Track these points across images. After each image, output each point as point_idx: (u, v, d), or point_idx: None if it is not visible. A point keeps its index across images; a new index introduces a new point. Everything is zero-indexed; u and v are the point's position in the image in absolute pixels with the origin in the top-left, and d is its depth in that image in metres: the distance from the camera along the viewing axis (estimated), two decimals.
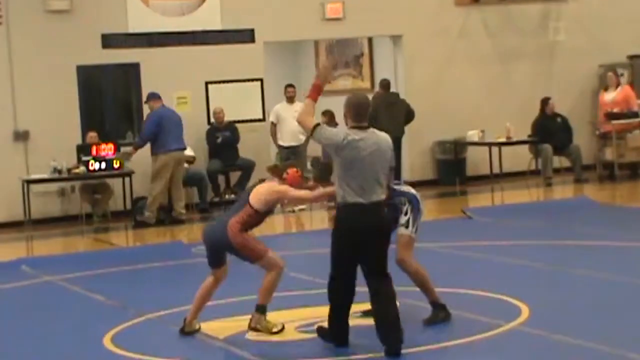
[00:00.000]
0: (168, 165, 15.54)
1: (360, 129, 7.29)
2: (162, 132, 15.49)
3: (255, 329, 8.19)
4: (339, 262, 7.41)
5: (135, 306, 9.66)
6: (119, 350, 8.04)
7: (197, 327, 8.45)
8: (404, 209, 8.20)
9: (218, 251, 8.32)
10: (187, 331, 8.42)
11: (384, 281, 7.33)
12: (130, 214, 15.96)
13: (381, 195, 7.30)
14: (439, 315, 8.22)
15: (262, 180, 8.50)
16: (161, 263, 12.36)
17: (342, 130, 7.35)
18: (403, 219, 8.20)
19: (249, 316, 8.40)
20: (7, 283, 11.48)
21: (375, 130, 7.37)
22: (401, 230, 8.20)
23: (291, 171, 8.36)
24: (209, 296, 8.50)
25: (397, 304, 7.50)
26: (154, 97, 15.76)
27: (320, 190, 8.19)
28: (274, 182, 8.35)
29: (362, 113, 7.34)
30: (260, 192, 8.23)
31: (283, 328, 8.24)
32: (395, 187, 8.31)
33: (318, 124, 7.40)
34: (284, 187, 8.22)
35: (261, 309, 8.21)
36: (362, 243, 7.25)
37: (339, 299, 7.49)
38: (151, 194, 15.61)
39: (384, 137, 7.40)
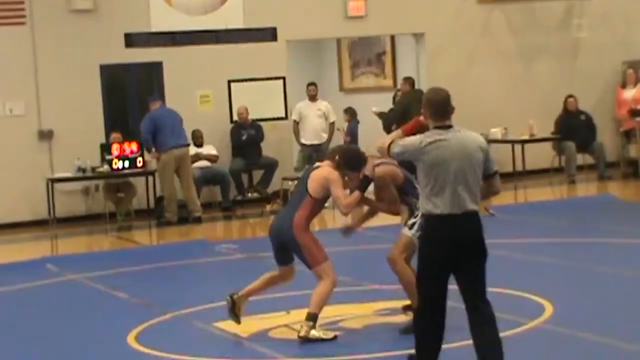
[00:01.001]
0: (168, 163, 15.55)
1: (442, 129, 6.28)
2: (159, 133, 15.56)
3: (304, 338, 7.94)
4: (424, 282, 6.33)
5: (159, 304, 9.68)
6: (143, 349, 8.06)
7: (240, 309, 8.25)
8: (416, 212, 7.99)
9: (284, 248, 8.12)
10: (235, 299, 8.20)
11: (482, 301, 6.40)
12: (154, 213, 16.01)
13: (473, 205, 6.25)
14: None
15: (315, 167, 8.22)
16: (185, 261, 12.39)
17: (420, 136, 6.37)
18: (410, 220, 8.10)
19: (272, 314, 8.40)
20: (32, 281, 11.54)
21: (462, 129, 6.36)
22: (404, 230, 8.11)
23: None
24: (267, 286, 8.30)
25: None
26: (151, 99, 15.91)
27: (354, 196, 7.92)
28: (328, 166, 8.11)
29: (442, 110, 6.33)
30: (314, 179, 8.04)
31: (335, 337, 8.01)
32: (418, 186, 8.24)
33: (393, 141, 6.47)
34: (334, 177, 7.92)
35: (312, 317, 7.98)
36: (453, 259, 6.25)
37: (428, 338, 6.35)
38: (164, 194, 15.71)
39: (472, 137, 6.33)
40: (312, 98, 17.28)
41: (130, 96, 17.32)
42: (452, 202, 6.18)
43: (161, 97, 16.31)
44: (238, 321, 8.27)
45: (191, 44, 16.95)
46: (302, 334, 7.95)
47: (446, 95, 6.38)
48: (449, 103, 6.36)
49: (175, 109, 15.97)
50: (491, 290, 9.29)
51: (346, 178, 8.03)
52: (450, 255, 6.23)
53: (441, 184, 6.18)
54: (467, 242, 6.28)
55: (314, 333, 7.95)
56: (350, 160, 8.02)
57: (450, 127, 6.31)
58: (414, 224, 8.03)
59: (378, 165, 8.10)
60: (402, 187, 8.16)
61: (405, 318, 8.34)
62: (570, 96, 18.10)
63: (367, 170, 7.92)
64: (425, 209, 6.27)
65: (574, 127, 17.89)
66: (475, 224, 6.31)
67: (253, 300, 8.55)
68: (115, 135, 16.23)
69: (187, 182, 15.72)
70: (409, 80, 17.07)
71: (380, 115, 16.55)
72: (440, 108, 6.32)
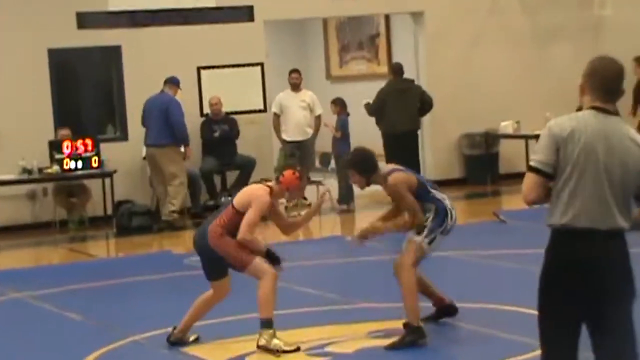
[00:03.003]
0: (147, 159, 16.00)
1: (602, 112, 5.22)
2: (146, 124, 15.91)
3: (264, 348, 8.16)
4: (546, 322, 5.49)
5: (118, 326, 9.66)
6: None
7: (189, 338, 8.62)
8: (427, 215, 8.48)
9: (209, 260, 8.42)
10: (172, 341, 8.60)
11: None
12: (111, 220, 15.97)
13: (621, 221, 5.19)
14: (405, 338, 8.27)
15: (262, 180, 8.61)
16: (148, 276, 12.36)
17: (554, 122, 5.37)
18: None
19: (248, 337, 8.39)
20: None
21: (623, 121, 5.32)
22: (410, 234, 8.45)
23: (287, 172, 8.39)
24: (206, 309, 8.59)
25: None
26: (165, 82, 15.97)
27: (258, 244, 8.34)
28: (267, 184, 8.44)
29: (611, 87, 5.26)
30: (244, 192, 8.36)
31: (298, 349, 8.20)
32: (432, 190, 8.61)
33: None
34: (261, 202, 8.20)
35: (265, 324, 8.20)
36: (584, 293, 5.23)
37: None
38: None
39: (632, 133, 5.28)
40: (295, 87, 17.27)
41: (84, 85, 17.29)
42: (595, 214, 5.19)
43: (168, 81, 15.91)
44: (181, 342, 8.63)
45: (155, 25, 16.92)
46: (261, 342, 8.14)
47: (620, 71, 5.33)
48: (622, 82, 5.32)
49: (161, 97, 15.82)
50: (501, 308, 9.34)
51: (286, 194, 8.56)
52: (580, 282, 5.22)
53: (583, 189, 5.18)
54: (606, 270, 5.20)
55: (275, 342, 8.13)
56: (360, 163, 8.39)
57: (611, 113, 5.25)
58: (423, 227, 8.38)
59: (390, 173, 8.40)
60: (416, 193, 8.43)
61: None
62: None
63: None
64: (554, 220, 5.33)
65: None
66: (620, 246, 5.24)
67: (226, 321, 8.50)
68: (63, 132, 16.16)
69: (156, 185, 15.92)
70: (395, 67, 16.73)
71: (367, 106, 16.48)
72: (609, 85, 5.27)
